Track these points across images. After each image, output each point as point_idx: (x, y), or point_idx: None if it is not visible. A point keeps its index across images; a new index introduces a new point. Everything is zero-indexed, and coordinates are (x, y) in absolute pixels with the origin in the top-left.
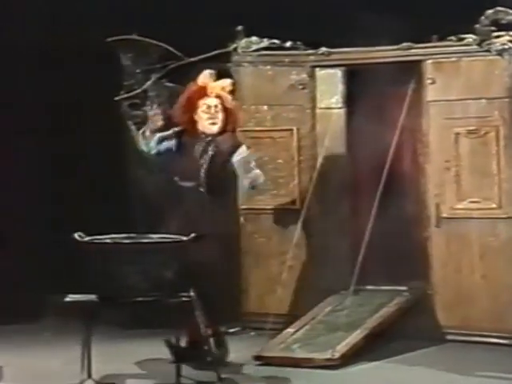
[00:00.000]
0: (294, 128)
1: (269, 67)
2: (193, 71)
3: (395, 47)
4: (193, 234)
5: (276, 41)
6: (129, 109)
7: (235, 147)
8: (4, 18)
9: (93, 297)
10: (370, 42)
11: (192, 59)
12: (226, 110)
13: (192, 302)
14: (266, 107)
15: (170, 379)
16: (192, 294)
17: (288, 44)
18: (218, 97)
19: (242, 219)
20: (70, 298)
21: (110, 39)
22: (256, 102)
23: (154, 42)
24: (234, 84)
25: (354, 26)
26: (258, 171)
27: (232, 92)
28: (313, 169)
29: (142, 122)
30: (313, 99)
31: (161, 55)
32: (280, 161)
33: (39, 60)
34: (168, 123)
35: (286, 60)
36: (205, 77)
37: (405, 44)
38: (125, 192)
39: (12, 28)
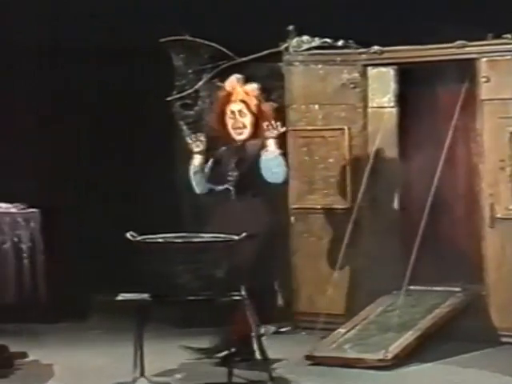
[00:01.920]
0: (346, 127)
1: (320, 66)
2: (244, 71)
3: (449, 45)
4: (244, 234)
5: (327, 40)
6: (180, 109)
7: (262, 148)
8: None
9: (145, 296)
10: (423, 40)
11: (243, 59)
12: (254, 114)
13: (243, 302)
14: (317, 106)
15: (222, 378)
16: (243, 293)
17: (340, 43)
18: (243, 102)
19: (292, 219)
20: (122, 296)
21: (162, 40)
22: (307, 101)
23: (206, 42)
24: (261, 88)
25: (407, 24)
26: (279, 169)
27: (259, 96)
28: (364, 168)
29: (193, 122)
30: (364, 98)
31: (212, 55)
32: (331, 160)
33: (93, 59)
34: (209, 143)
35: (338, 59)
36: (232, 82)
37: (459, 42)
38: (174, 192)
39: (71, 27)
